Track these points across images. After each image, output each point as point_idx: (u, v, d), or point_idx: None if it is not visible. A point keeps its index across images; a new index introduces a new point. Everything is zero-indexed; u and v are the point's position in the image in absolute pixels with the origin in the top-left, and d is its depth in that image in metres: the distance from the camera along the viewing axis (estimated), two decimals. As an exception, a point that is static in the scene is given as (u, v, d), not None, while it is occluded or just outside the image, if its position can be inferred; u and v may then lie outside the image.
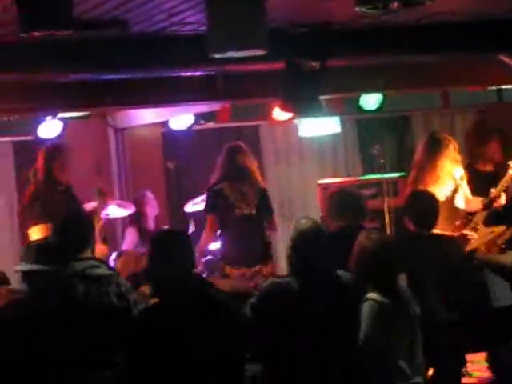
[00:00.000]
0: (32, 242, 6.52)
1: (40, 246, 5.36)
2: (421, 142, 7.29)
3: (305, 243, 4.78)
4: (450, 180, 6.98)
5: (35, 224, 6.97)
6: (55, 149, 7.57)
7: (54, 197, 7.22)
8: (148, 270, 4.63)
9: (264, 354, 4.71)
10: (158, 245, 4.53)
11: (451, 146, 7.04)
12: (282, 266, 8.82)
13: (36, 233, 6.92)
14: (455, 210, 7.00)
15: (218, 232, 7.16)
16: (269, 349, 4.69)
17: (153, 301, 4.59)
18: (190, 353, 4.29)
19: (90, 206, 7.55)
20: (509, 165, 6.89)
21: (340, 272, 4.83)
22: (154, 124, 9.32)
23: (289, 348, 4.62)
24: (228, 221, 7.04)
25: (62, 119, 8.19)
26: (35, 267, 4.94)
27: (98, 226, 7.00)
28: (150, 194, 8.50)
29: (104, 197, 7.69)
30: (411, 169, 7.13)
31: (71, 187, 7.50)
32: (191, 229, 7.99)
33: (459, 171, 7.05)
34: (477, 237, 6.54)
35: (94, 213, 7.36)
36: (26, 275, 5.02)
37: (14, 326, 4.56)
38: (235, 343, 4.41)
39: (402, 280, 5.20)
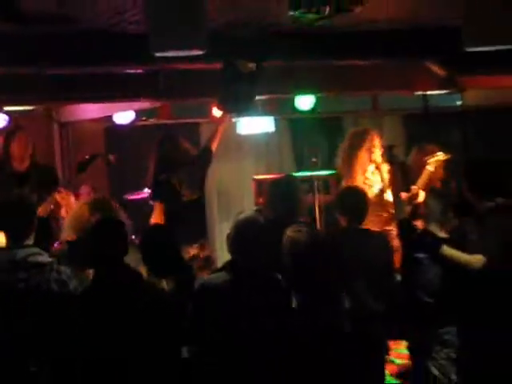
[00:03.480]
0: None
1: None
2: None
3: (237, 240, 4.81)
4: (374, 172, 7.22)
5: None
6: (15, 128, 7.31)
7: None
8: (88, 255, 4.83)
9: (200, 343, 4.81)
10: (94, 233, 4.77)
11: (370, 138, 7.27)
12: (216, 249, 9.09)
13: None
14: (382, 203, 7.20)
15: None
16: (204, 338, 4.78)
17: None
18: (121, 333, 4.51)
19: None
20: (426, 162, 7.16)
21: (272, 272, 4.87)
22: (97, 119, 9.36)
23: (222, 339, 4.72)
24: (171, 207, 7.07)
25: (6, 113, 8.23)
26: None
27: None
28: (85, 189, 8.49)
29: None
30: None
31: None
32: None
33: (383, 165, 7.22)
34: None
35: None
36: None
37: None
38: (163, 322, 4.61)
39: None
